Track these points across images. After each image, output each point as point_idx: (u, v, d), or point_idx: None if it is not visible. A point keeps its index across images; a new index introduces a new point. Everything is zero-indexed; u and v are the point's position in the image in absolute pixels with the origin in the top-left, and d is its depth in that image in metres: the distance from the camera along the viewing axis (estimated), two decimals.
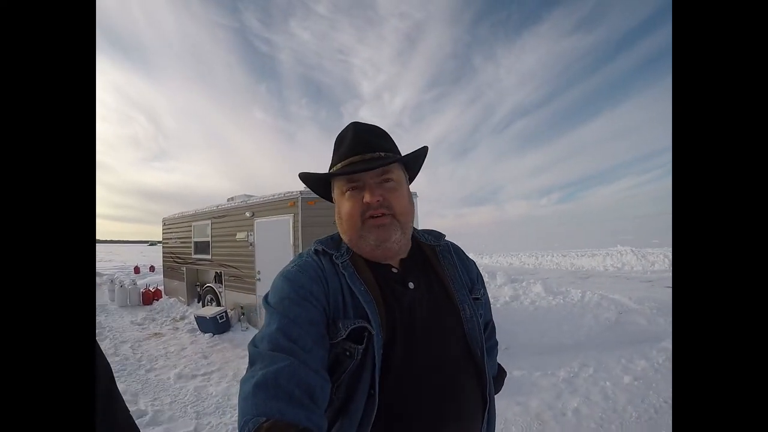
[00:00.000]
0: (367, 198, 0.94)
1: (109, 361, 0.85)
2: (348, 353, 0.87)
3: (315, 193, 1.10)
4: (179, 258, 9.86)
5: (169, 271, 10.53)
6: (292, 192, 6.35)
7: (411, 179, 1.11)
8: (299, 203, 6.17)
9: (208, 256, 8.48)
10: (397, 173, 1.00)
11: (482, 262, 22.39)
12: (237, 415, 0.73)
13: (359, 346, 0.87)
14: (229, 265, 7.77)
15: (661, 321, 6.40)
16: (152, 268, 19.37)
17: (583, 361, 4.63)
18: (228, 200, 8.24)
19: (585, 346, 5.43)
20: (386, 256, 0.99)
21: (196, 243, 9.03)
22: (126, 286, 10.36)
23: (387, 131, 1.04)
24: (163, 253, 10.90)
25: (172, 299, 9.88)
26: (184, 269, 9.55)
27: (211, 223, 8.39)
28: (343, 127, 1.04)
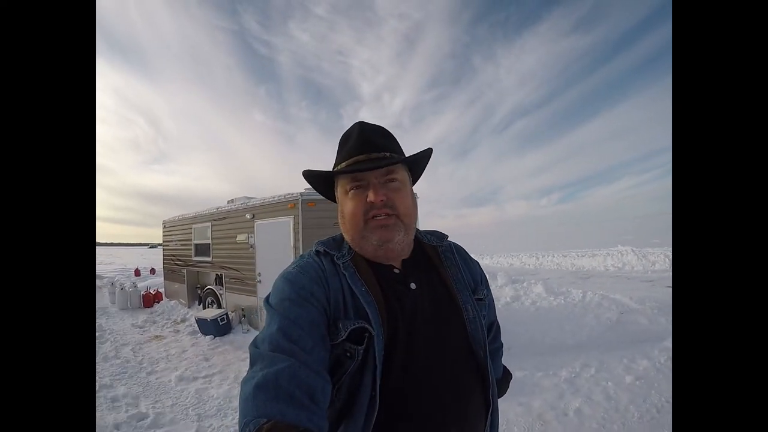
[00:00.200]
0: (371, 197, 0.93)
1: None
2: (348, 354, 0.86)
3: (317, 192, 1.10)
4: (180, 260, 9.86)
5: (170, 273, 10.52)
6: (292, 194, 6.34)
7: (414, 181, 1.10)
8: (299, 205, 6.17)
9: (209, 259, 8.47)
10: (402, 174, 1.00)
11: (483, 262, 22.36)
12: (237, 416, 0.73)
13: (359, 347, 0.86)
14: (229, 267, 7.76)
15: (663, 320, 6.39)
16: (153, 271, 19.35)
17: (584, 361, 4.62)
18: (228, 202, 8.24)
19: (586, 346, 5.42)
20: (388, 257, 0.99)
21: (196, 245, 9.03)
22: (126, 288, 10.35)
23: (389, 130, 1.04)
24: (164, 255, 10.90)
25: (173, 302, 9.87)
26: (185, 271, 9.54)
27: (212, 226, 8.39)
28: (345, 128, 1.04)
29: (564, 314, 6.97)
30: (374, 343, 0.86)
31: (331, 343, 0.86)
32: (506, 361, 1.29)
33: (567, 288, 9.23)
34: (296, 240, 6.19)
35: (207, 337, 6.80)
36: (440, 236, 1.15)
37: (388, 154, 0.97)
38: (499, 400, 1.14)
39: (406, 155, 1.03)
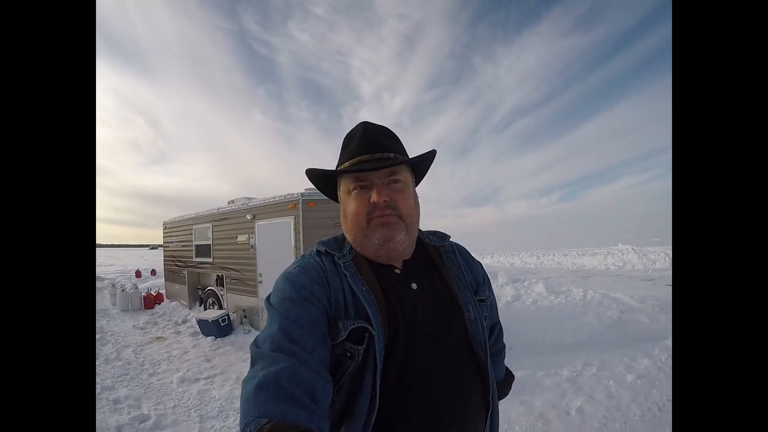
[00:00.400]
0: (374, 197, 0.93)
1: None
2: (349, 354, 0.86)
3: (320, 191, 1.09)
4: (180, 261, 9.86)
5: (171, 274, 10.52)
6: (292, 194, 6.34)
7: (417, 182, 1.10)
8: (300, 205, 6.16)
9: (210, 259, 8.48)
10: (405, 175, 0.99)
11: (484, 262, 22.21)
12: (239, 416, 0.73)
13: (359, 347, 0.86)
14: (230, 268, 7.76)
15: (663, 319, 6.39)
16: (153, 272, 19.36)
17: (586, 360, 4.61)
18: (229, 203, 8.24)
19: (588, 345, 5.43)
20: (390, 257, 0.99)
21: (197, 246, 9.03)
22: (127, 290, 10.36)
23: (393, 131, 1.03)
24: (165, 256, 10.90)
25: (174, 303, 9.87)
26: (186, 272, 9.55)
27: (212, 226, 8.39)
28: (345, 128, 1.04)
29: (565, 313, 6.97)
30: (374, 343, 0.86)
31: (332, 342, 0.86)
32: (508, 360, 1.29)
33: (568, 287, 9.23)
34: (297, 240, 6.19)
35: (208, 338, 6.80)
36: (442, 236, 1.14)
37: (392, 154, 0.97)
38: (501, 400, 1.14)
39: (409, 156, 1.03)
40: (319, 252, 1.00)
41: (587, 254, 19.95)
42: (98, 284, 13.86)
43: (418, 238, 1.08)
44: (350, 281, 0.92)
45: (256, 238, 7.06)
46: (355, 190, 0.97)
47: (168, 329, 7.79)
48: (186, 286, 9.52)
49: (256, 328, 7.09)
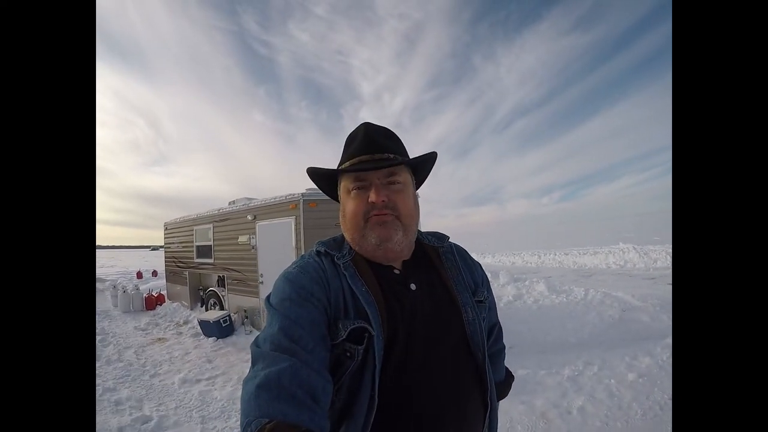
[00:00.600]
0: (372, 197, 0.94)
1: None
2: (348, 354, 0.87)
3: (320, 190, 1.10)
4: (182, 262, 9.87)
5: (172, 275, 10.53)
6: (293, 194, 6.34)
7: (418, 184, 1.11)
8: (301, 205, 6.16)
9: (211, 260, 8.48)
10: (404, 176, 1.00)
11: (485, 261, 22.38)
12: (240, 415, 0.73)
13: (359, 347, 0.86)
14: (231, 269, 7.76)
15: (665, 318, 6.39)
16: (155, 273, 19.37)
17: (587, 359, 4.62)
18: (229, 203, 8.24)
19: (589, 344, 5.43)
20: (388, 257, 0.99)
21: (198, 247, 9.04)
22: (129, 291, 10.37)
23: (395, 133, 1.04)
24: (166, 257, 10.91)
25: (175, 304, 9.87)
26: (187, 273, 9.55)
27: (213, 227, 8.40)
28: (346, 128, 1.05)
29: (566, 312, 6.97)
30: (374, 343, 0.86)
31: (332, 342, 0.87)
32: (509, 359, 1.29)
33: (569, 286, 9.23)
34: (298, 240, 6.19)
35: (210, 338, 6.80)
36: (441, 237, 1.15)
37: (392, 155, 0.98)
38: (501, 400, 1.14)
39: (413, 157, 1.04)
40: (318, 252, 1.00)
41: (588, 253, 19.96)
42: (99, 286, 13.87)
43: (417, 239, 1.09)
44: (350, 281, 0.93)
45: (257, 239, 7.06)
46: (354, 190, 0.97)
47: (169, 330, 7.80)
48: (187, 287, 9.52)
49: (258, 329, 7.09)
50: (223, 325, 6.89)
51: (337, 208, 1.05)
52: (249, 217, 7.23)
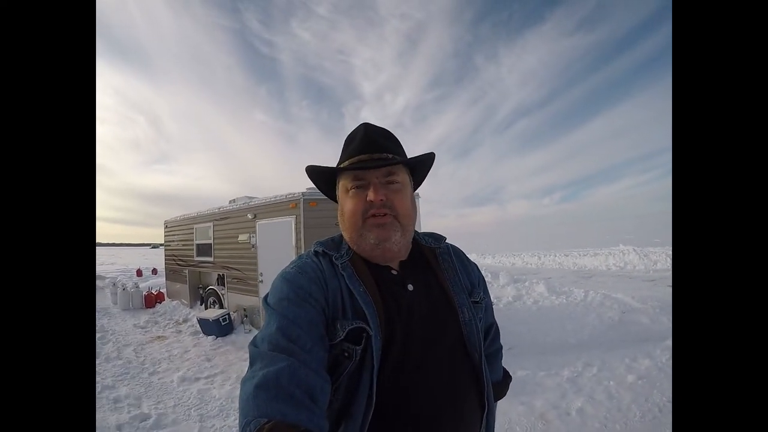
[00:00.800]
0: (370, 196, 0.94)
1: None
2: (346, 354, 0.87)
3: (318, 189, 1.11)
4: (181, 260, 9.87)
5: (172, 273, 10.54)
6: (293, 193, 6.35)
7: (416, 185, 1.12)
8: (301, 205, 6.17)
9: (211, 259, 8.49)
10: (403, 176, 1.01)
11: (485, 262, 22.38)
12: (238, 415, 0.73)
13: (357, 347, 0.87)
14: (231, 267, 7.77)
15: (665, 320, 6.39)
16: (155, 271, 19.38)
17: (587, 361, 4.62)
18: (230, 202, 8.25)
19: (589, 345, 5.43)
20: (385, 257, 0.99)
21: (198, 245, 9.04)
22: (128, 289, 10.37)
23: (394, 134, 1.05)
24: (166, 255, 10.91)
25: (175, 302, 9.87)
26: (187, 272, 9.56)
27: (213, 226, 8.40)
28: (347, 128, 1.05)
29: (566, 313, 6.97)
30: (372, 344, 0.86)
31: (330, 343, 0.87)
32: (508, 360, 1.29)
33: (569, 287, 9.23)
34: (298, 240, 6.20)
35: (209, 337, 6.80)
36: (438, 238, 1.15)
37: (390, 155, 0.99)
38: (499, 400, 1.14)
39: (412, 157, 1.04)
40: (316, 252, 1.00)
41: (588, 255, 19.96)
42: (99, 283, 13.88)
43: (414, 239, 1.10)
44: (348, 282, 0.93)
45: (257, 238, 7.06)
46: (353, 189, 0.98)
47: (169, 328, 7.80)
48: (187, 285, 9.53)
49: (257, 328, 7.08)
50: (223, 323, 6.90)
51: (337, 208, 1.06)
52: (249, 216, 7.23)
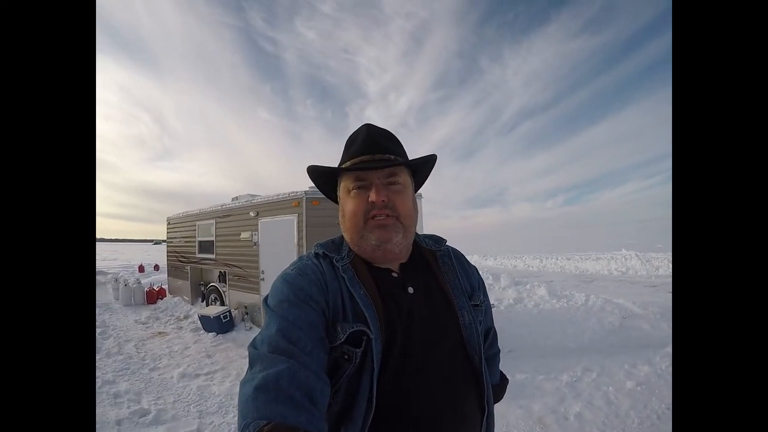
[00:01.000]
0: (372, 197, 0.94)
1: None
2: (346, 356, 0.87)
3: (319, 189, 1.11)
4: (183, 257, 9.90)
5: (174, 270, 10.56)
6: (296, 192, 6.35)
7: (417, 186, 1.12)
8: (303, 203, 6.17)
9: (213, 256, 8.50)
10: (404, 177, 1.01)
11: (486, 264, 22.35)
12: (237, 417, 0.73)
13: (357, 350, 0.86)
14: (233, 265, 7.79)
15: (665, 326, 6.36)
16: (157, 267, 19.42)
17: (586, 366, 4.60)
18: (232, 200, 8.25)
19: (588, 350, 5.41)
20: (386, 258, 0.99)
21: (200, 242, 9.06)
22: (130, 284, 10.41)
23: (396, 135, 1.05)
24: (168, 252, 10.94)
25: (176, 298, 9.90)
26: (189, 268, 9.57)
27: (216, 223, 8.41)
28: (351, 127, 1.05)
29: (567, 317, 6.95)
30: (372, 346, 0.86)
31: (330, 345, 0.87)
32: (508, 363, 1.29)
33: (570, 291, 9.19)
34: (300, 238, 6.20)
35: (210, 334, 6.82)
36: (438, 240, 1.15)
37: (392, 156, 0.99)
38: (496, 404, 1.15)
39: (413, 158, 1.05)
40: (317, 254, 1.00)
41: (590, 258, 19.92)
42: (101, 278, 13.92)
43: (415, 242, 1.10)
44: (348, 284, 0.93)
45: (259, 236, 7.07)
46: (355, 190, 0.98)
47: (170, 324, 7.83)
48: (188, 282, 9.54)
49: (258, 325, 7.11)
50: (223, 320, 6.91)
51: (338, 208, 1.06)
52: (252, 214, 7.24)
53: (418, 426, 0.88)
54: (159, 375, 4.97)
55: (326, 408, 0.80)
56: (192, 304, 9.23)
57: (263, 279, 6.93)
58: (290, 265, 0.99)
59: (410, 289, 0.98)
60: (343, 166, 1.00)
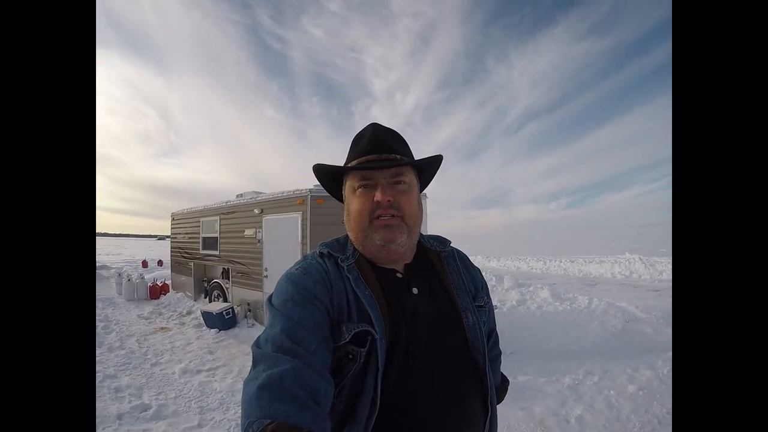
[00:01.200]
0: (378, 197, 0.94)
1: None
2: (351, 356, 0.86)
3: (324, 188, 1.11)
4: (187, 253, 9.93)
5: (177, 266, 10.60)
6: (301, 190, 6.35)
7: (423, 186, 1.12)
8: (308, 201, 6.17)
9: (216, 252, 8.52)
10: (410, 177, 1.01)
11: (490, 265, 22.33)
12: (240, 416, 0.72)
13: (362, 350, 0.86)
14: (236, 262, 7.80)
15: (668, 331, 6.33)
16: (160, 263, 19.51)
17: (588, 369, 4.59)
18: (237, 197, 8.27)
19: (591, 353, 5.39)
20: (391, 258, 0.99)
21: (204, 239, 9.09)
22: (133, 279, 10.45)
23: (402, 135, 1.05)
24: (171, 247, 10.99)
25: (179, 294, 9.94)
26: (192, 264, 9.60)
27: (220, 219, 8.44)
28: (356, 125, 1.05)
29: (569, 320, 6.93)
30: (377, 346, 0.86)
31: (334, 345, 0.86)
32: (510, 365, 1.29)
33: (573, 294, 9.17)
34: (304, 236, 6.20)
35: (212, 330, 6.84)
36: (443, 241, 1.15)
37: (398, 156, 0.99)
38: (497, 405, 1.14)
39: (419, 159, 1.04)
40: (321, 254, 1.00)
41: (594, 262, 19.86)
42: (105, 273, 13.99)
43: (420, 242, 1.09)
44: (353, 284, 0.93)
45: (263, 233, 7.09)
46: (360, 189, 0.98)
47: (172, 320, 7.86)
48: (192, 278, 9.57)
49: (260, 322, 7.13)
50: (226, 317, 6.93)
51: (344, 207, 1.05)
52: (256, 211, 7.25)
53: (422, 426, 0.87)
54: (161, 370, 4.99)
55: (330, 408, 0.79)
56: (195, 300, 9.26)
57: (266, 276, 6.94)
58: (295, 265, 0.98)
59: (415, 290, 0.98)
60: (349, 165, 1.00)
